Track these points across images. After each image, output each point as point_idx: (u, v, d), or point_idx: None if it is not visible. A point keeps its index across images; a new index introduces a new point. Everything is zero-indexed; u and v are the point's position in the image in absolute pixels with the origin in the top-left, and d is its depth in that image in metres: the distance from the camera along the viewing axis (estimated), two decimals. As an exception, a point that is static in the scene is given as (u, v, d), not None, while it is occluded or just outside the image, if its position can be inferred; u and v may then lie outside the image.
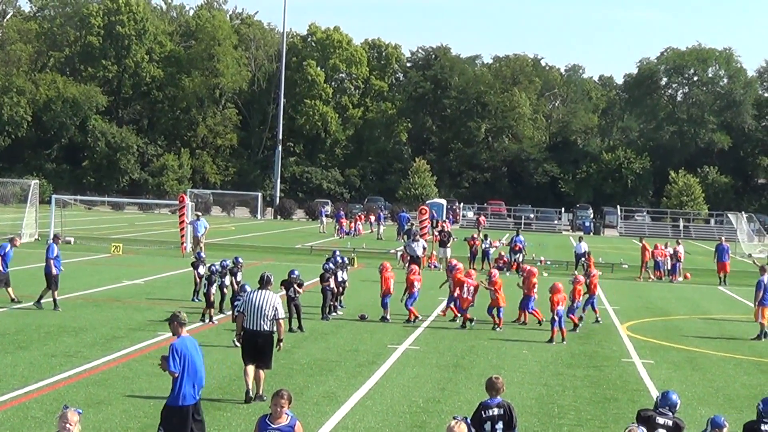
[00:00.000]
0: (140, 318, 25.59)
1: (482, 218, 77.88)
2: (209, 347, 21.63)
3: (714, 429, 10.99)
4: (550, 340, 24.60)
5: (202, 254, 31.07)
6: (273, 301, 17.19)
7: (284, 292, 24.96)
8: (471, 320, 26.67)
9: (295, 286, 24.87)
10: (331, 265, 27.84)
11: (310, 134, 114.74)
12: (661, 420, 11.18)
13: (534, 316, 27.53)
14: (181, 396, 12.80)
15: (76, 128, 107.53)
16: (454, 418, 10.08)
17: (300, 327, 24.61)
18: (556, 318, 24.69)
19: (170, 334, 13.45)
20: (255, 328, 17.02)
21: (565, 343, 24.52)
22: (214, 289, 25.68)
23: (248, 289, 21.24)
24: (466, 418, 10.22)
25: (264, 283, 17.72)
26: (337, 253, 30.32)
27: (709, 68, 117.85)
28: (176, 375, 12.73)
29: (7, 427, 14.80)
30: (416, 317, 27.08)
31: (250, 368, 16.95)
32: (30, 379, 17.97)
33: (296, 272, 25.51)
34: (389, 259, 40.78)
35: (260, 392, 16.96)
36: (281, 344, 17.30)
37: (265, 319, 17.01)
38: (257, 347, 17.00)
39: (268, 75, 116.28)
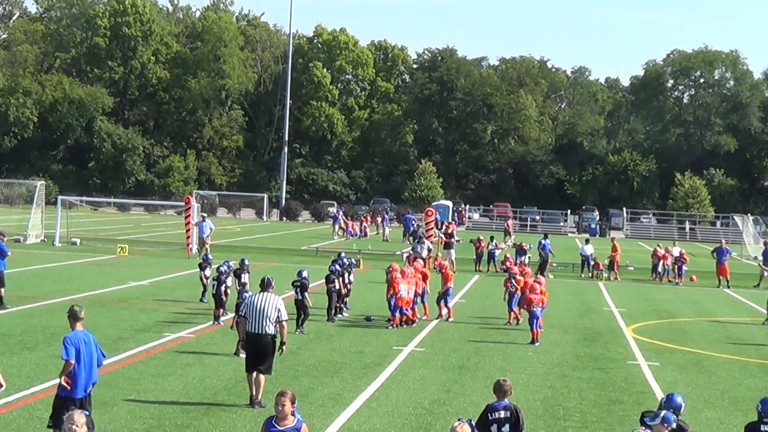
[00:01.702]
0: (146, 319, 25.60)
1: (510, 222, 77.14)
2: (214, 348, 21.67)
3: (670, 408, 10.89)
4: (532, 342, 24.58)
5: (209, 256, 31.12)
6: (276, 302, 16.87)
7: (294, 294, 24.94)
8: (391, 320, 26.58)
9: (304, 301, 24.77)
10: (337, 266, 27.77)
11: (316, 136, 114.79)
12: (665, 422, 11.14)
13: (444, 309, 28.15)
14: (73, 387, 12.95)
15: (82, 129, 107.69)
16: (458, 419, 10.07)
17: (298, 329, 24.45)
18: (534, 318, 24.71)
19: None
20: (258, 331, 16.68)
21: (537, 344, 24.40)
22: (223, 289, 25.70)
23: (249, 291, 21.14)
24: (470, 420, 10.20)
25: (265, 285, 17.31)
26: (343, 254, 30.33)
27: (715, 70, 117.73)
28: (71, 362, 12.93)
29: (13, 427, 14.84)
30: (413, 321, 26.92)
31: (255, 375, 16.71)
32: (36, 379, 18.00)
33: (304, 272, 25.43)
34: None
35: (259, 398, 16.59)
36: (284, 347, 16.95)
37: (268, 321, 16.66)
38: (259, 351, 16.66)
39: (274, 76, 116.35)
